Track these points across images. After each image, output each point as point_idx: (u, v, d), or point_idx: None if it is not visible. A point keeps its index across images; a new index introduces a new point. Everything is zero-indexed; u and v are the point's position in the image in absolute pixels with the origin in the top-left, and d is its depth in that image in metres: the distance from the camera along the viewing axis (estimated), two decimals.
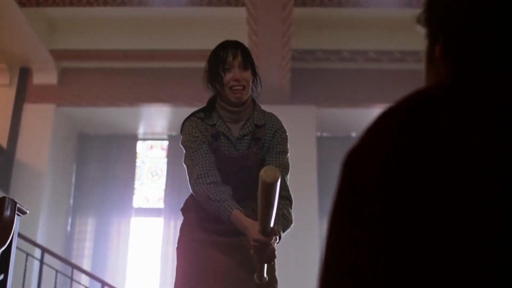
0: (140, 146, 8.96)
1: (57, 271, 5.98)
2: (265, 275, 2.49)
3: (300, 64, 7.91)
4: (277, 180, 2.11)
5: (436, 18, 0.93)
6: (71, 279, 6.18)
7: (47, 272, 6.14)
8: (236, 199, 2.54)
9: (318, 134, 8.33)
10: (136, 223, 8.48)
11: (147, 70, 8.15)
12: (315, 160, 7.83)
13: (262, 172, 2.12)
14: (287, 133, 2.82)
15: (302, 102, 8.01)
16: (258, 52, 6.90)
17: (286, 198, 2.67)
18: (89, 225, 8.32)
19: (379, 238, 0.70)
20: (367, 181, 0.73)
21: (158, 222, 8.38)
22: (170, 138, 8.77)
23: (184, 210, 2.83)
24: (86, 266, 7.97)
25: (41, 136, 7.86)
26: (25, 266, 5.53)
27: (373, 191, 0.72)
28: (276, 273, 2.69)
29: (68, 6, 7.28)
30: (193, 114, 2.77)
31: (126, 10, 7.53)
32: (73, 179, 8.59)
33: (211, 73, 2.73)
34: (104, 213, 8.34)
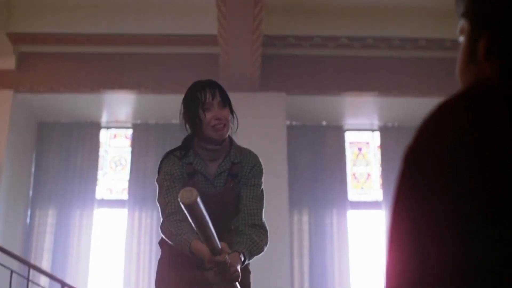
0: (103, 134, 8.62)
1: (12, 271, 5.62)
2: None
3: (270, 50, 7.66)
4: (195, 200, 2.11)
5: (481, 14, 0.90)
6: (28, 279, 5.81)
7: (2, 272, 5.78)
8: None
9: (288, 122, 8.11)
10: (99, 214, 8.19)
11: (111, 55, 7.81)
12: (285, 149, 7.63)
13: (179, 195, 2.15)
14: (263, 167, 2.97)
15: (272, 89, 7.79)
16: (227, 37, 6.61)
17: (259, 226, 2.80)
18: (50, 218, 8.00)
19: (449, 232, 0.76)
20: (428, 178, 0.78)
21: (122, 214, 8.11)
22: (135, 127, 8.47)
23: (160, 245, 2.96)
24: (46, 260, 7.68)
25: None
26: None
27: (435, 187, 0.77)
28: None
29: None
30: (170, 152, 2.91)
31: None
32: (33, 169, 8.24)
33: (190, 115, 2.83)
34: (65, 205, 8.03)
